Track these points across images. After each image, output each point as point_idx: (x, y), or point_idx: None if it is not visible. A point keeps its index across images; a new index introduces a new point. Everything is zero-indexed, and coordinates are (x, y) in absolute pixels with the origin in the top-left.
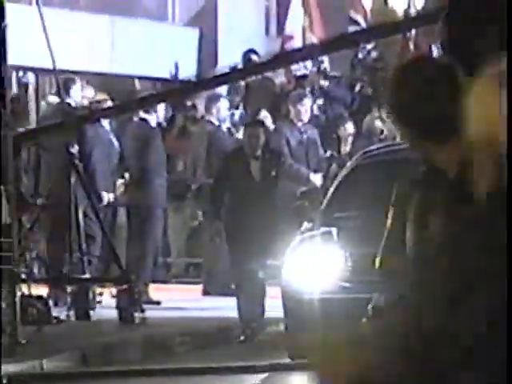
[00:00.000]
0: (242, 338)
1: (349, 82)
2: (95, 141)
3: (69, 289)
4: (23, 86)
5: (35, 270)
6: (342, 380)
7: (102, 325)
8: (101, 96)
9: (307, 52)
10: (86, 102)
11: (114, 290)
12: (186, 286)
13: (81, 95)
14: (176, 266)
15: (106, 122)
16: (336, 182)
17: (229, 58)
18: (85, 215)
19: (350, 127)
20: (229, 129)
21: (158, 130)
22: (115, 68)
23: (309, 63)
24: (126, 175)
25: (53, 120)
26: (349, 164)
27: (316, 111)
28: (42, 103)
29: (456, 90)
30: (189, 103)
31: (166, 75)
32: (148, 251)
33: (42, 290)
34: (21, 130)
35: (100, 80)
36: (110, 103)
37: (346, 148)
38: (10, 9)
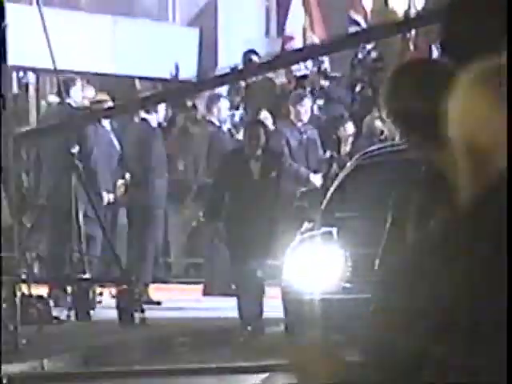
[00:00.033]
0: (242, 338)
1: (349, 82)
2: (96, 141)
3: (69, 289)
4: (23, 86)
5: (36, 270)
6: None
7: (102, 325)
8: (101, 96)
9: (307, 52)
10: (86, 103)
11: (114, 290)
12: (186, 286)
13: (81, 95)
14: (176, 266)
15: (106, 122)
16: (336, 183)
17: (229, 58)
18: (85, 215)
19: (350, 127)
20: (229, 130)
21: (158, 131)
22: (116, 68)
23: (309, 63)
24: (127, 175)
25: (53, 120)
26: (349, 164)
27: (316, 111)
28: (43, 103)
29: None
30: (189, 103)
31: (166, 75)
32: (148, 251)
33: (42, 290)
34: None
35: (100, 80)
36: (110, 103)
37: (346, 148)
38: (10, 9)
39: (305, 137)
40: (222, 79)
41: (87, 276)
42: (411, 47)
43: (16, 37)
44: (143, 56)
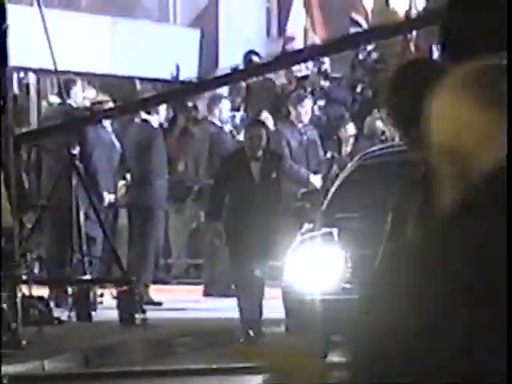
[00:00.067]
0: (242, 338)
1: (350, 82)
2: (96, 142)
3: (70, 290)
4: (24, 87)
5: (36, 271)
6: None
7: (103, 326)
8: (102, 97)
9: (308, 53)
10: (87, 103)
11: (114, 291)
12: (186, 286)
13: (82, 96)
14: (177, 267)
15: (107, 123)
16: (337, 183)
17: (230, 59)
18: (86, 216)
19: (350, 128)
20: (231, 131)
21: (159, 131)
22: (116, 69)
23: (310, 64)
24: (128, 176)
25: (54, 121)
26: (350, 165)
27: (317, 112)
28: (43, 104)
29: None
30: (190, 104)
31: (167, 76)
32: (149, 252)
33: (43, 291)
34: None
35: (101, 81)
36: (111, 104)
37: (346, 149)
38: (11, 10)
39: (305, 137)
40: (222, 80)
41: (88, 277)
42: (412, 48)
43: (17, 38)
44: (144, 57)
